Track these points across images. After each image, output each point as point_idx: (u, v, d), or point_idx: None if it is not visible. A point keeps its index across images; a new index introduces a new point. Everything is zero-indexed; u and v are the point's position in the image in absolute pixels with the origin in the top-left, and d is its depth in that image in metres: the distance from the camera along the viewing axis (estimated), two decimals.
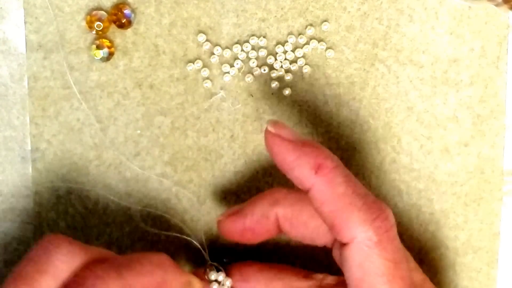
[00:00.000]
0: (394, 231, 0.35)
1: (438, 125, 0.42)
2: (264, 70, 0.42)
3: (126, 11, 0.40)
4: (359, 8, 0.41)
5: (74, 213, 0.42)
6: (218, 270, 0.40)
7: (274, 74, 0.42)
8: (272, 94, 0.42)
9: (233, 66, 0.41)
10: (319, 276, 0.40)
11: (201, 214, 0.42)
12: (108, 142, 0.41)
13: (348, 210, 0.35)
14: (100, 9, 0.40)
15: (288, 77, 0.42)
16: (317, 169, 0.35)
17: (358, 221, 0.35)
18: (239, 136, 0.42)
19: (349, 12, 0.41)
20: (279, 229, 0.39)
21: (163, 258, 0.36)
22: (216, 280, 0.39)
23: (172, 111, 0.41)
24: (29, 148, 0.41)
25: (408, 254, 0.38)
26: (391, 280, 0.35)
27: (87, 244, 0.36)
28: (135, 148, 0.42)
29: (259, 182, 0.42)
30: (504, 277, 0.44)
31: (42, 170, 0.41)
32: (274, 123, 0.37)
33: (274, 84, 0.42)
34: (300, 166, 0.35)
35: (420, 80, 0.42)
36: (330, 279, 0.39)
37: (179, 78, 0.41)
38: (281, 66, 0.42)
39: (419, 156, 0.43)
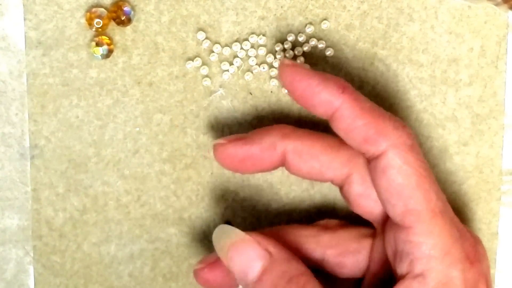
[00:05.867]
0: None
1: (437, 125, 0.42)
2: (264, 68, 0.41)
3: (126, 9, 0.40)
4: (359, 7, 0.41)
5: (73, 210, 0.42)
6: None
7: (273, 73, 0.42)
8: (271, 92, 0.42)
9: (233, 64, 0.41)
10: (322, 221, 0.41)
11: (200, 212, 0.42)
12: (107, 139, 0.41)
13: (380, 120, 0.36)
14: (100, 6, 0.40)
15: None
16: (343, 89, 0.37)
17: (392, 128, 0.36)
18: (238, 134, 0.42)
19: (348, 10, 0.41)
20: (281, 163, 0.39)
21: None
22: None
23: (171, 109, 0.41)
24: (28, 145, 0.41)
25: None
26: (429, 181, 0.36)
27: None
28: (134, 145, 0.42)
29: (258, 180, 0.42)
30: (502, 276, 0.44)
31: (41, 167, 0.41)
32: (289, 60, 0.38)
33: (273, 83, 0.42)
34: (327, 87, 0.37)
35: (419, 80, 0.42)
36: (333, 222, 0.40)
37: (178, 76, 0.41)
38: None
39: None
